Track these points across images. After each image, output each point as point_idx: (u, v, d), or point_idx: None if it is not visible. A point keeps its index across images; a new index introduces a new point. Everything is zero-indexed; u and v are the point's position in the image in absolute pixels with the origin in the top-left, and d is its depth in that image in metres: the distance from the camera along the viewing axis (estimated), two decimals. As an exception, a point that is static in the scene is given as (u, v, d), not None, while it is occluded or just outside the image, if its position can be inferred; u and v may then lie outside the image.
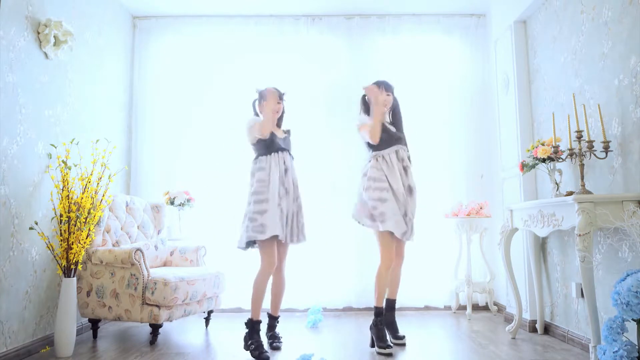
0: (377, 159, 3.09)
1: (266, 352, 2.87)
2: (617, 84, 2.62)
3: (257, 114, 3.24)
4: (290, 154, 3.17)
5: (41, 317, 3.07)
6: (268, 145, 3.06)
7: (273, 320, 3.21)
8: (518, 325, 3.31)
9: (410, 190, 3.07)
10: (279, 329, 3.27)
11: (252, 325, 2.96)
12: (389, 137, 3.11)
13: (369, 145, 3.16)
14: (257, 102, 3.23)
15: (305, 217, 3.17)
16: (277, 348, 3.07)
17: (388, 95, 3.20)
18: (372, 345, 3.02)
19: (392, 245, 3.04)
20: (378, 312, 3.00)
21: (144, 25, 4.61)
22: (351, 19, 4.62)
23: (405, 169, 3.09)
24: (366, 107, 3.29)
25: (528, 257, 3.54)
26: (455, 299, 4.23)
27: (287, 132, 3.30)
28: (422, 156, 4.41)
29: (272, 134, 3.09)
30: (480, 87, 4.54)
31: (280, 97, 3.19)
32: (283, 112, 3.25)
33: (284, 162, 3.07)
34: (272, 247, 2.99)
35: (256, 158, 3.10)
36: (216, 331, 3.62)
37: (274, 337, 3.14)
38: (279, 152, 3.07)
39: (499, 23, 4.11)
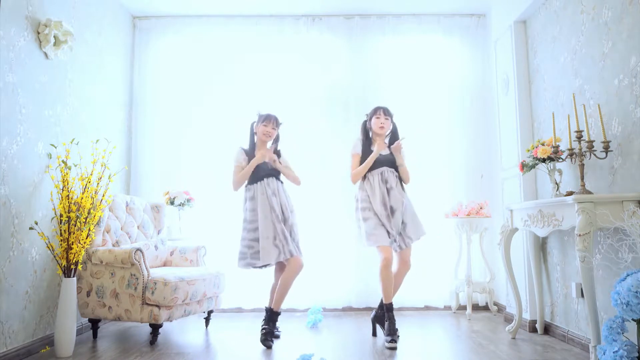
0: (363, 181, 3.32)
1: (271, 341, 3.12)
2: (617, 84, 2.62)
3: (253, 135, 3.46)
4: (277, 178, 3.40)
5: (41, 317, 3.07)
6: (254, 174, 3.33)
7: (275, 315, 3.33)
8: (518, 325, 3.31)
9: (392, 210, 3.22)
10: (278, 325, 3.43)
11: (271, 315, 3.25)
12: (376, 160, 3.29)
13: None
14: (255, 124, 3.45)
15: (299, 235, 3.39)
16: (277, 336, 3.34)
17: (387, 119, 3.37)
18: (374, 334, 3.30)
19: (385, 246, 3.14)
20: (389, 307, 3.13)
21: (144, 25, 4.61)
22: (351, 19, 4.63)
23: (388, 190, 3.25)
24: (365, 134, 3.45)
25: (528, 257, 3.54)
26: (455, 299, 4.23)
27: (277, 153, 3.49)
28: (422, 156, 4.42)
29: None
30: (480, 87, 4.54)
31: (277, 123, 3.42)
32: (277, 139, 3.49)
33: (269, 188, 3.30)
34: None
35: (246, 186, 3.37)
36: (216, 331, 3.61)
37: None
38: (265, 179, 3.32)
39: (499, 23, 4.11)
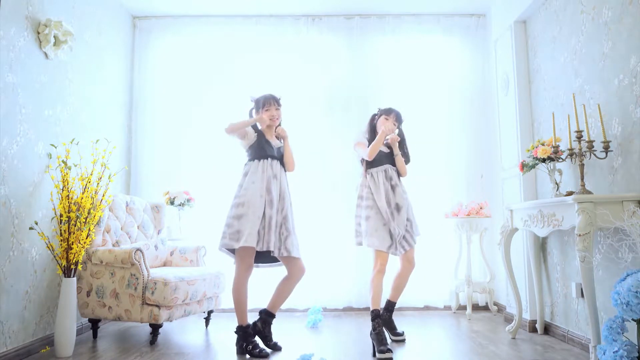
0: (366, 177, 3.21)
1: (265, 349, 2.93)
2: (617, 84, 2.62)
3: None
4: (282, 163, 3.11)
5: (41, 317, 3.07)
6: (258, 151, 3.04)
7: (271, 318, 3.12)
8: (518, 325, 3.31)
9: (397, 208, 3.13)
10: (275, 329, 3.24)
11: (244, 331, 2.97)
12: (380, 156, 3.22)
13: (362, 163, 3.27)
14: (253, 111, 3.18)
15: (290, 230, 3.01)
16: (271, 342, 3.08)
17: (395, 124, 3.25)
18: (374, 355, 2.85)
19: (383, 253, 3.08)
20: (374, 315, 2.94)
21: (144, 25, 4.61)
22: (351, 19, 4.62)
23: (393, 187, 3.18)
24: (372, 130, 3.35)
25: (528, 257, 3.54)
26: (455, 299, 4.23)
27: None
28: (422, 156, 4.41)
29: (264, 140, 3.08)
30: (480, 87, 4.54)
31: (278, 102, 3.13)
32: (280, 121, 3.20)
33: (272, 170, 3.01)
34: (248, 252, 2.93)
35: (246, 163, 3.09)
36: (216, 331, 3.61)
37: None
38: (269, 159, 3.03)
39: (499, 23, 4.11)
